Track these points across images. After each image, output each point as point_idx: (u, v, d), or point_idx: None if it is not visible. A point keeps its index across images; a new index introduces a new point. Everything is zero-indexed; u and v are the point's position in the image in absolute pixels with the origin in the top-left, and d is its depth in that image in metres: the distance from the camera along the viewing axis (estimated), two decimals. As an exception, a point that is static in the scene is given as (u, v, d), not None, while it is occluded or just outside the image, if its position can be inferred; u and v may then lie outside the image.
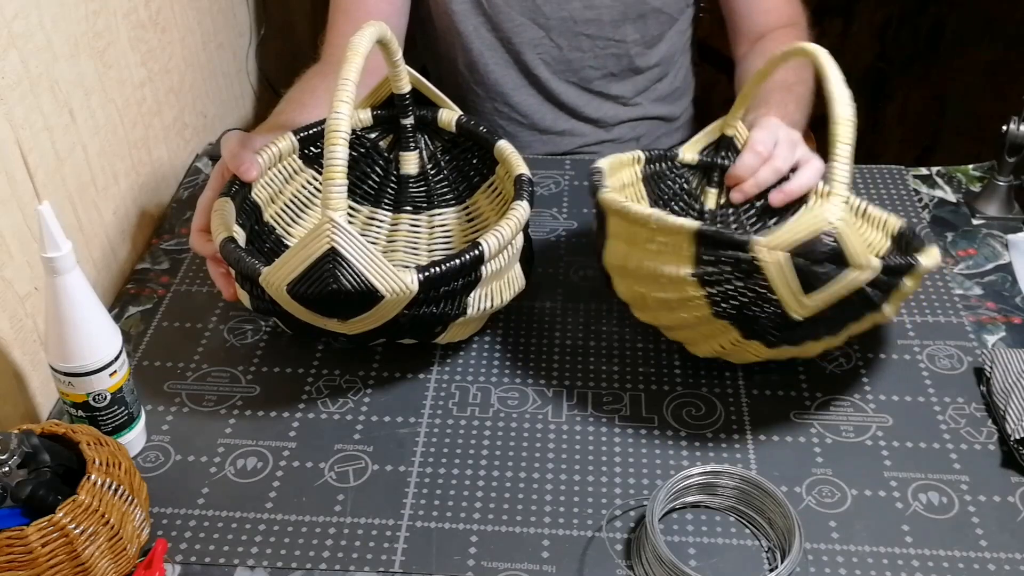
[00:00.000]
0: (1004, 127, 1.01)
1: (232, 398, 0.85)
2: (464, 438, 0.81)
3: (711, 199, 0.96)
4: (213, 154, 1.18)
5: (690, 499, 0.74)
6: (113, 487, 0.68)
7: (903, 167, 1.13)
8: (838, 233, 0.69)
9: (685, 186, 0.96)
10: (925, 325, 0.91)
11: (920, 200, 1.08)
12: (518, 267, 0.85)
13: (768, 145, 0.88)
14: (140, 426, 0.80)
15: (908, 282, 0.75)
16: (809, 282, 0.70)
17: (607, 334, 0.91)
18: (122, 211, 1.00)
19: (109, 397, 0.75)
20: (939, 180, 1.11)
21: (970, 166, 1.13)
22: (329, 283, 0.72)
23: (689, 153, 0.95)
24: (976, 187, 1.10)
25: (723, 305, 0.74)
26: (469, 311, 0.80)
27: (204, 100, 1.19)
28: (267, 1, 1.40)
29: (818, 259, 0.69)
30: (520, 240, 0.83)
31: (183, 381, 0.87)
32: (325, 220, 0.70)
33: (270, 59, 1.42)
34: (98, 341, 0.73)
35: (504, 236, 0.78)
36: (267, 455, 0.80)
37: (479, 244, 0.77)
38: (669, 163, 0.96)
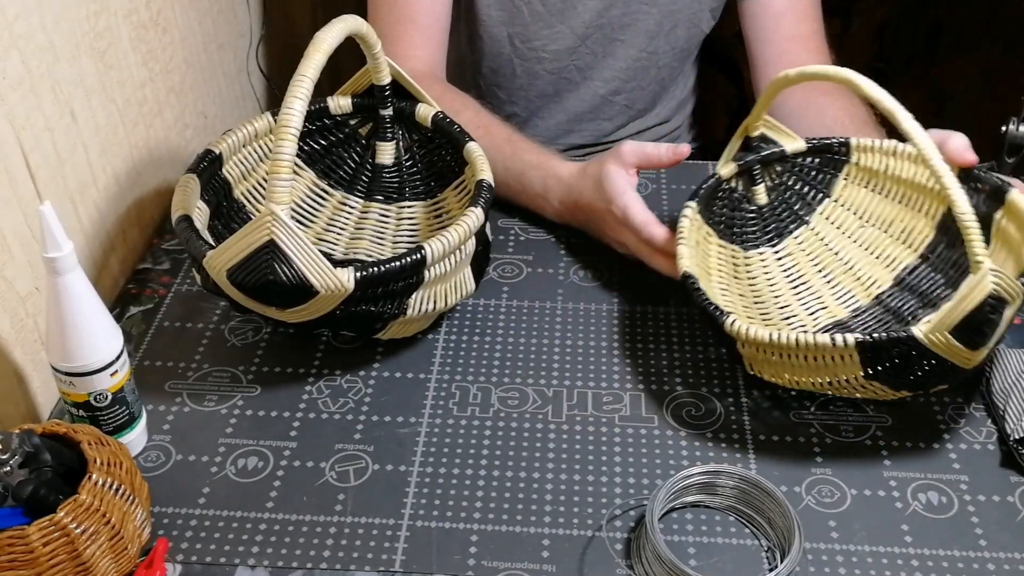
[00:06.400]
0: (1003, 128, 1.01)
1: (233, 398, 0.85)
2: (464, 438, 0.81)
3: (761, 196, 0.96)
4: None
5: (690, 499, 0.74)
6: (114, 487, 0.68)
7: (902, 168, 1.13)
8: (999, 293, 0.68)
9: (734, 194, 0.95)
10: (924, 325, 0.91)
11: (919, 201, 1.08)
12: (468, 271, 0.85)
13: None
14: (141, 426, 0.80)
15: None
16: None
17: (607, 334, 0.91)
18: (123, 211, 1.00)
19: (110, 397, 0.75)
20: (938, 181, 1.11)
21: (969, 167, 1.13)
22: (266, 274, 0.73)
23: (726, 169, 0.93)
24: (975, 188, 1.10)
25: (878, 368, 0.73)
26: (410, 312, 0.81)
27: (205, 101, 1.20)
28: (267, 1, 1.40)
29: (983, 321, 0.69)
30: (471, 245, 0.83)
31: (184, 381, 0.87)
32: (267, 212, 0.71)
33: (271, 60, 1.42)
34: (99, 341, 0.73)
35: (450, 242, 0.79)
36: (268, 455, 0.80)
37: (422, 248, 0.77)
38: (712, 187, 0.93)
